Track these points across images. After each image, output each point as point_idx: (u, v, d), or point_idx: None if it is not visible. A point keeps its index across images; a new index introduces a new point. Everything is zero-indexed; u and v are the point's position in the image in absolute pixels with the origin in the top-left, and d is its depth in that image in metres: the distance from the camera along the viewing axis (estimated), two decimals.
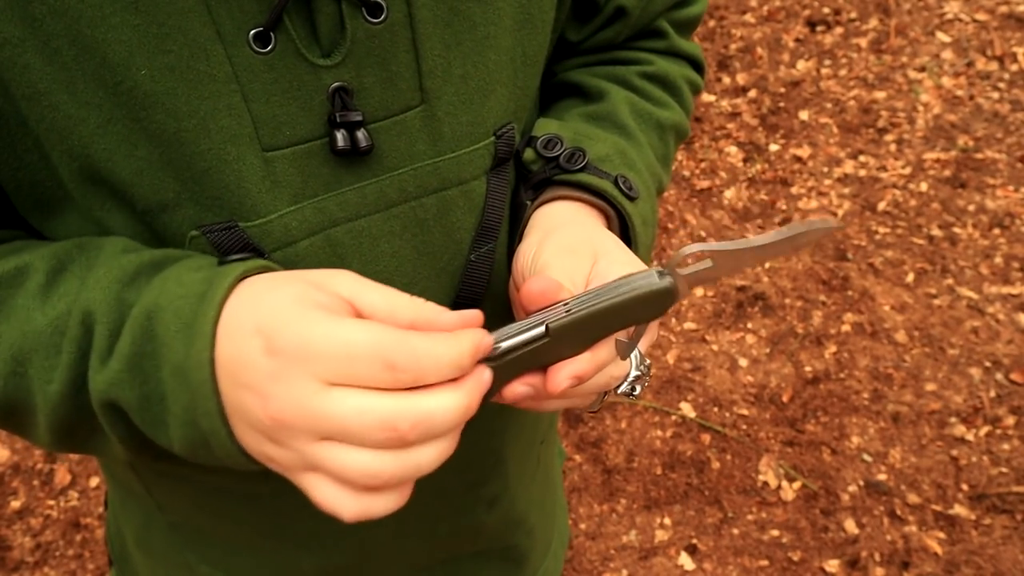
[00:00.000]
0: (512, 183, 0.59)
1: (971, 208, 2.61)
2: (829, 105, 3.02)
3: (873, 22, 3.30)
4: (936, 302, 2.36)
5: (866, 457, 2.03)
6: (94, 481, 2.05)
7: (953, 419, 2.09)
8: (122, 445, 0.47)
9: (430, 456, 0.40)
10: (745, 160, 2.88)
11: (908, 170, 2.76)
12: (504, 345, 0.43)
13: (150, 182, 0.46)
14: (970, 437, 2.05)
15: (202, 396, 0.41)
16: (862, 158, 2.83)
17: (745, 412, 2.15)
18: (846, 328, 2.31)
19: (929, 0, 3.33)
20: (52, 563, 1.90)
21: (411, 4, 0.47)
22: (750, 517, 1.95)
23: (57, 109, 0.43)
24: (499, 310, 0.58)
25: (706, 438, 2.10)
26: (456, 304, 0.57)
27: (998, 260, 2.45)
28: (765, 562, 1.87)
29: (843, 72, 3.14)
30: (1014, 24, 3.18)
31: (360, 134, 0.48)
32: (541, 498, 0.82)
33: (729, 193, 2.76)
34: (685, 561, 1.88)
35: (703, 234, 2.63)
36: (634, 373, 0.50)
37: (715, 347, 2.30)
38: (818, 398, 2.15)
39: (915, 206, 2.64)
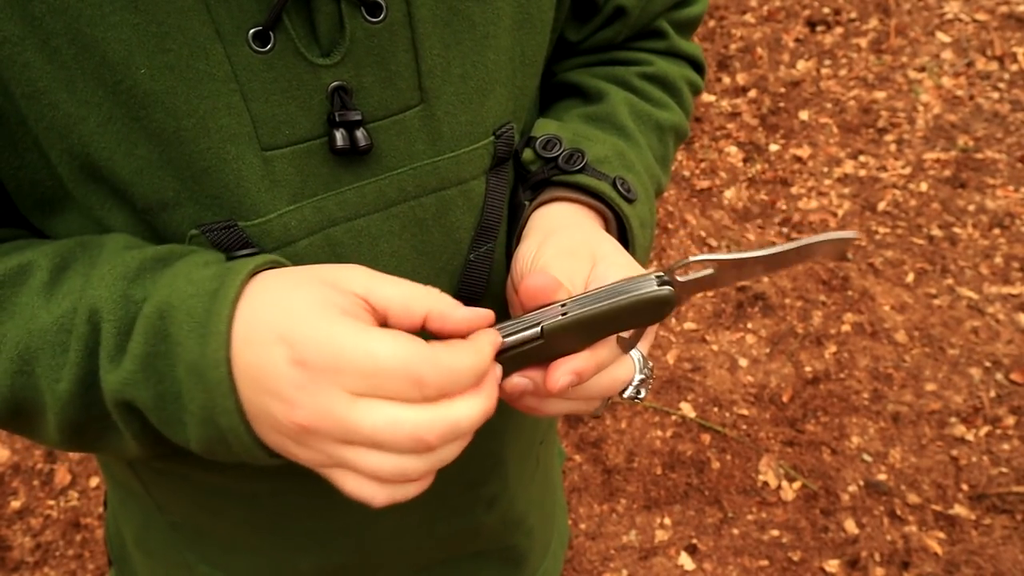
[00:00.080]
0: (511, 183, 0.59)
1: (971, 208, 2.61)
2: (829, 105, 3.02)
3: (873, 22, 3.30)
4: (936, 302, 2.36)
5: (866, 457, 2.03)
6: (94, 481, 2.05)
7: (953, 419, 2.09)
8: (136, 442, 0.47)
9: (453, 452, 0.42)
10: (745, 160, 2.88)
11: (908, 170, 2.76)
12: (503, 344, 0.44)
13: (150, 181, 0.46)
14: (970, 437, 2.05)
15: (220, 395, 0.41)
16: (862, 158, 2.83)
17: (745, 412, 2.15)
18: (846, 328, 2.31)
19: (929, 0, 3.33)
20: (52, 563, 1.90)
21: (410, 4, 0.47)
22: (750, 517, 1.95)
23: (57, 108, 0.43)
24: (498, 310, 0.58)
25: (706, 438, 2.10)
26: None
27: (998, 260, 2.45)
28: (765, 562, 1.87)
29: (843, 72, 3.14)
30: (1014, 24, 3.18)
31: (359, 133, 0.48)
32: (540, 498, 0.82)
33: (729, 193, 2.76)
34: (685, 561, 1.88)
35: (703, 234, 2.63)
36: (638, 377, 0.50)
37: (715, 347, 2.30)
38: (818, 398, 2.15)
39: (915, 206, 2.64)
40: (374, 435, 0.39)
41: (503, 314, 0.58)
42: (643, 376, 0.50)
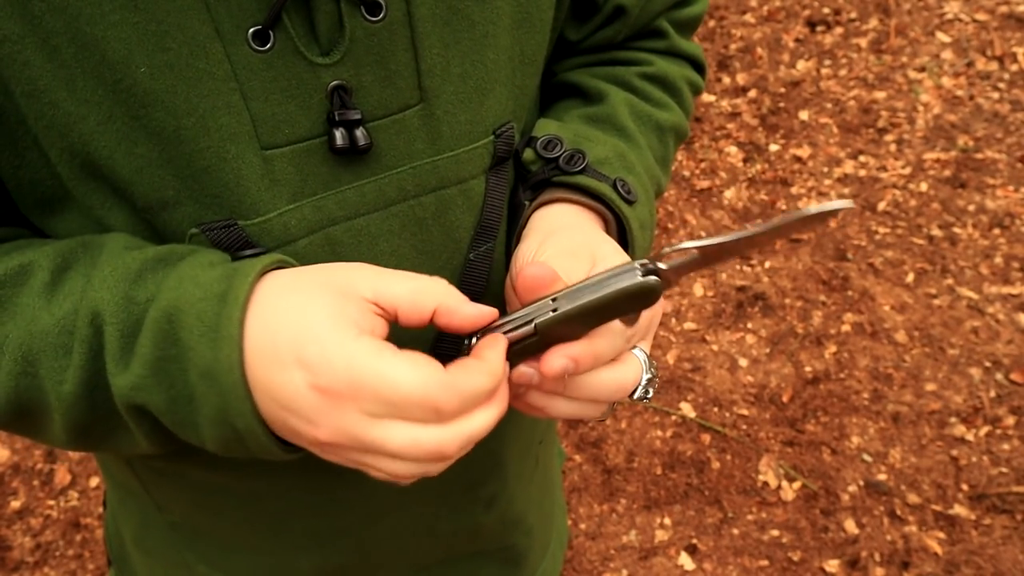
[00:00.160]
0: (511, 182, 0.59)
1: (971, 208, 2.61)
2: (829, 105, 3.02)
3: (873, 22, 3.30)
4: (936, 302, 2.36)
5: (866, 457, 2.03)
6: (94, 481, 2.05)
7: (953, 419, 2.09)
8: (147, 440, 0.47)
9: (468, 450, 0.44)
10: (745, 160, 2.88)
11: (908, 170, 2.76)
12: None
13: (150, 180, 0.46)
14: (970, 437, 2.05)
15: (235, 399, 0.41)
16: (862, 158, 2.83)
17: (745, 412, 2.15)
18: (846, 328, 2.31)
19: (929, 0, 3.33)
20: (52, 563, 1.90)
21: (410, 3, 0.47)
22: (750, 517, 1.95)
23: (56, 106, 0.43)
24: (499, 309, 0.58)
25: (706, 438, 2.10)
26: None
27: (998, 260, 2.45)
28: (765, 562, 1.87)
29: (843, 72, 3.14)
30: (1014, 24, 3.18)
31: (359, 132, 0.48)
32: (540, 498, 0.82)
33: (729, 193, 2.76)
34: (685, 561, 1.88)
35: (703, 234, 2.63)
36: (645, 377, 0.50)
37: (715, 347, 2.30)
38: (818, 398, 2.15)
39: (915, 206, 2.64)
40: (395, 452, 0.41)
41: (502, 313, 0.58)
42: (650, 376, 0.50)
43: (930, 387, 2.16)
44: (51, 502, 2.00)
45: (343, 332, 0.41)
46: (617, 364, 0.48)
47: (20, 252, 0.47)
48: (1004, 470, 1.98)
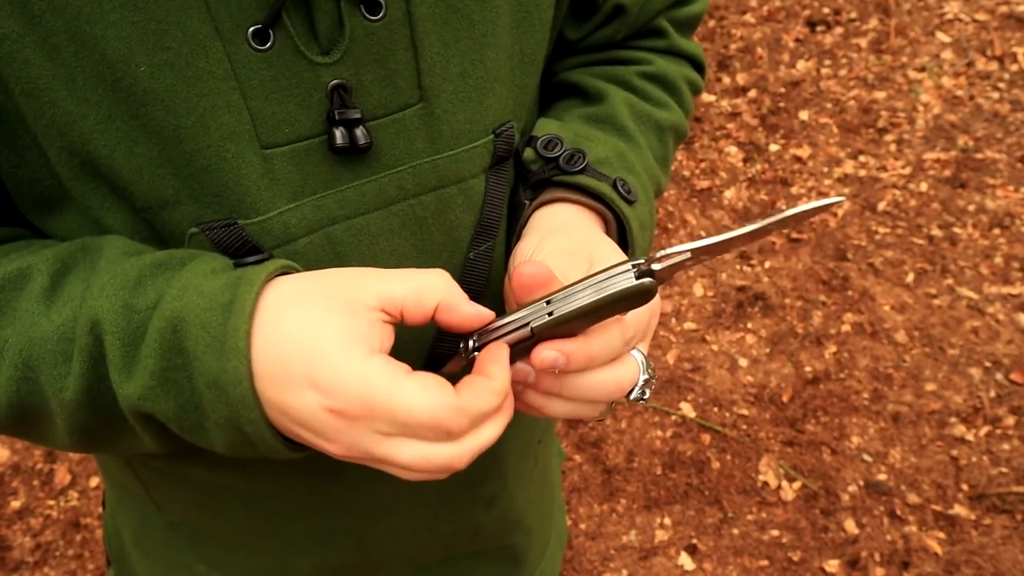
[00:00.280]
0: (511, 182, 0.59)
1: (971, 208, 2.61)
2: (829, 105, 3.02)
3: (873, 22, 3.30)
4: (936, 302, 2.36)
5: (866, 457, 2.03)
6: (94, 481, 2.05)
7: (953, 419, 2.09)
8: (154, 441, 0.47)
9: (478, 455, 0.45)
10: (745, 160, 2.88)
11: (908, 170, 2.76)
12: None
13: (149, 179, 0.46)
14: (970, 437, 2.05)
15: (244, 408, 0.42)
16: (862, 158, 2.83)
17: (745, 412, 2.15)
18: (846, 328, 2.31)
19: (929, 0, 3.33)
20: (52, 563, 1.90)
21: (410, 2, 0.47)
22: (750, 517, 1.95)
23: (56, 105, 0.43)
24: (498, 308, 0.58)
25: (706, 438, 2.10)
26: None
27: (998, 260, 2.45)
28: (765, 562, 1.87)
29: (843, 72, 3.14)
30: (1014, 24, 3.18)
31: (359, 132, 0.48)
32: (539, 498, 0.82)
33: (729, 193, 2.76)
34: (685, 561, 1.88)
35: (703, 234, 2.63)
36: (642, 377, 0.50)
37: (715, 347, 2.30)
38: (818, 398, 2.15)
39: (915, 206, 2.64)
40: (406, 466, 0.43)
41: (500, 314, 0.58)
42: (647, 376, 0.50)
43: (930, 387, 2.16)
44: (51, 502, 2.00)
45: (354, 351, 0.41)
46: (614, 364, 0.48)
47: (19, 255, 0.47)
48: (1004, 470, 1.98)
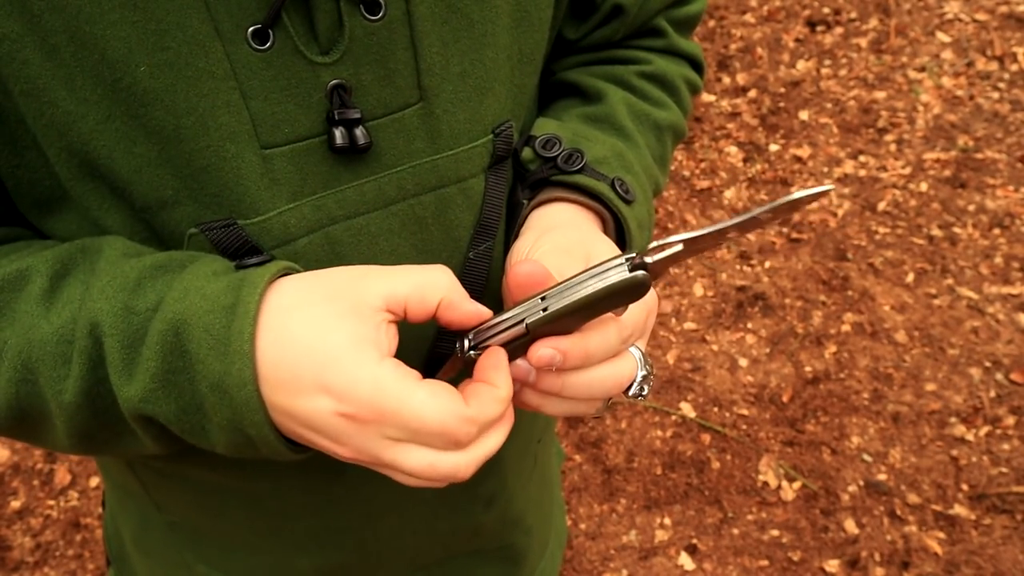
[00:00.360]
0: (510, 181, 0.59)
1: (971, 208, 2.61)
2: (829, 105, 3.02)
3: (873, 22, 3.30)
4: (936, 302, 2.36)
5: (866, 457, 2.03)
6: (94, 481, 2.05)
7: (953, 419, 2.09)
8: (155, 443, 0.47)
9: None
10: (745, 160, 2.88)
11: (908, 170, 2.76)
12: (490, 344, 0.47)
13: (149, 179, 0.46)
14: (970, 437, 2.05)
15: (249, 410, 0.42)
16: (862, 158, 2.83)
17: (745, 412, 2.15)
18: (846, 328, 2.31)
19: (929, 0, 3.33)
20: (52, 563, 1.90)
21: (409, 2, 0.47)
22: (750, 517, 1.95)
23: (56, 105, 0.43)
24: (498, 307, 0.59)
25: (706, 438, 2.10)
26: None
27: (998, 260, 2.45)
28: (765, 562, 1.87)
29: (843, 72, 3.14)
30: (1014, 24, 3.18)
31: (359, 131, 0.48)
32: (539, 497, 0.82)
33: (729, 193, 2.76)
34: (685, 561, 1.88)
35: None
36: (640, 374, 0.50)
37: (715, 347, 2.30)
38: (818, 398, 2.15)
39: (915, 206, 2.64)
40: (412, 472, 0.43)
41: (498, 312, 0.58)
42: (645, 373, 0.50)
43: (930, 387, 2.16)
44: (51, 502, 2.00)
45: (365, 356, 0.41)
46: (612, 360, 0.48)
47: (18, 256, 0.47)
48: (1004, 470, 1.98)
